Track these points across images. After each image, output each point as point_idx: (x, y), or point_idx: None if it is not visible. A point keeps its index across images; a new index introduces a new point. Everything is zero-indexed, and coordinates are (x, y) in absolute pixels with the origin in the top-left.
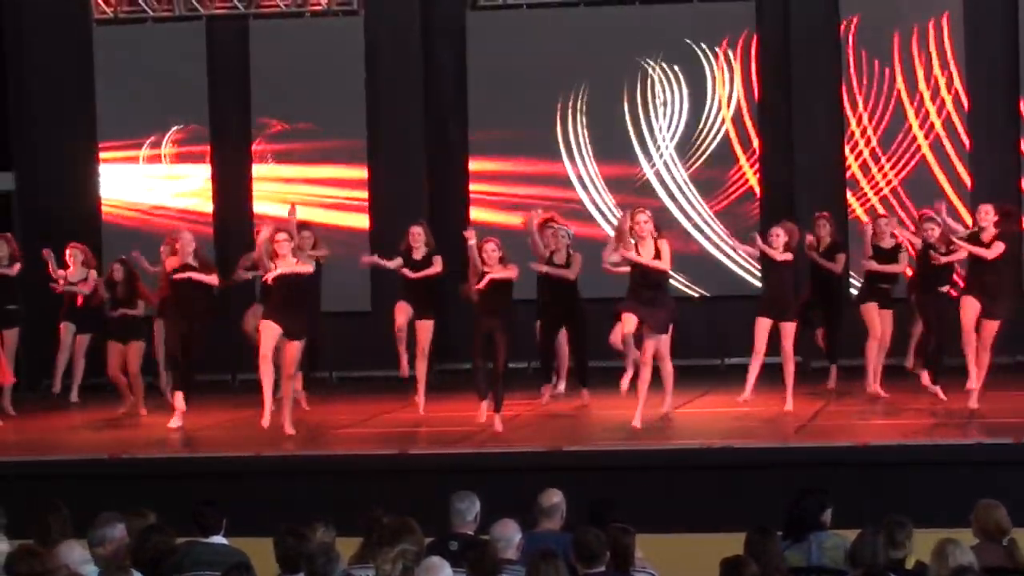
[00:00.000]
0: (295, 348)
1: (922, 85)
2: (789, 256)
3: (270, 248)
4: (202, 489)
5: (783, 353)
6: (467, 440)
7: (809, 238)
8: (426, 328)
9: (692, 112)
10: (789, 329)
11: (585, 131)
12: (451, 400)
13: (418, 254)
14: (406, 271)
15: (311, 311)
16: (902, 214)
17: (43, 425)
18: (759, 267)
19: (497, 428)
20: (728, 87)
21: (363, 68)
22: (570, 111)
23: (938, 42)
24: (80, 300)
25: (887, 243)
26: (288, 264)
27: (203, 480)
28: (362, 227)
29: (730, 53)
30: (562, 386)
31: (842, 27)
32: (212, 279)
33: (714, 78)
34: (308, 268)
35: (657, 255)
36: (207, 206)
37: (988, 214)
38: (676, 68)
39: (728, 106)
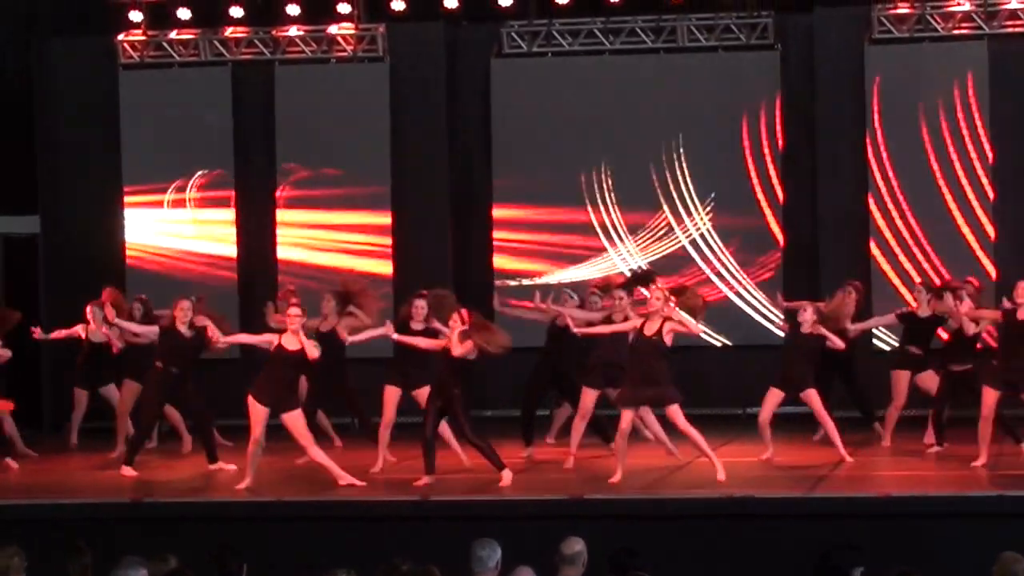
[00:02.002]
0: (291, 419)
1: (946, 136)
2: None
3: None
4: (223, 534)
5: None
6: (489, 487)
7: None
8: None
9: (716, 158)
10: (811, 396)
11: (609, 178)
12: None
13: (417, 326)
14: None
15: (339, 375)
16: (926, 266)
17: (64, 468)
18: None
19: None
20: (753, 136)
21: (388, 114)
22: (594, 158)
23: (963, 95)
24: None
25: (923, 312)
26: (294, 342)
27: (224, 525)
28: (386, 274)
29: (755, 102)
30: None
31: (867, 79)
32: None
33: (738, 127)
34: (314, 353)
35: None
36: (231, 251)
37: None
38: (700, 116)
39: (752, 155)
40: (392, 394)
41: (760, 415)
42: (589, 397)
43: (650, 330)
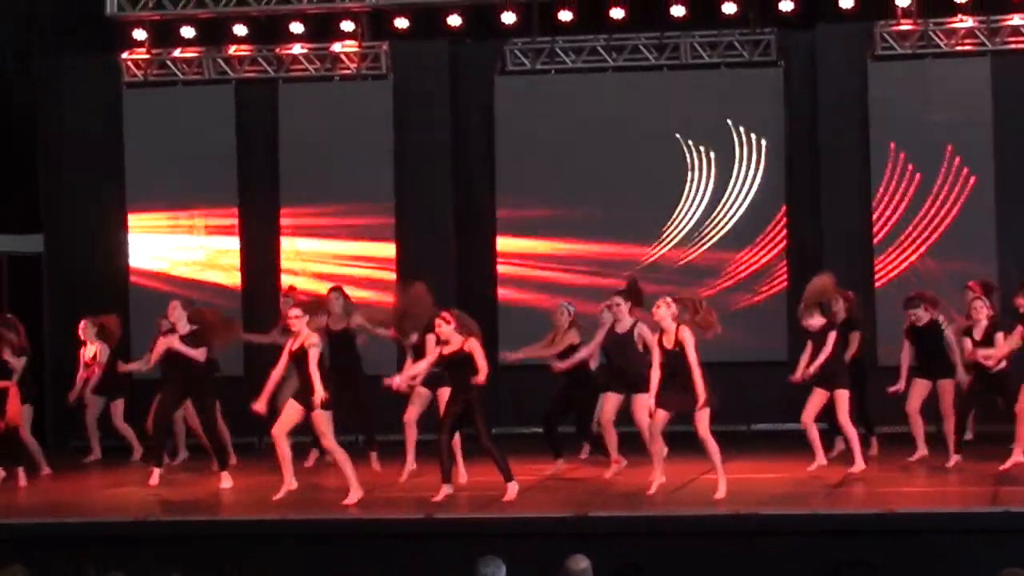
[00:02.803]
0: (316, 418)
1: (949, 152)
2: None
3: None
4: (228, 552)
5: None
6: (493, 504)
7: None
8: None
9: (720, 175)
10: (842, 396)
11: (614, 192)
12: (477, 464)
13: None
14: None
15: (354, 376)
16: (930, 281)
17: (70, 486)
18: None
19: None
20: (756, 151)
21: (392, 132)
22: (598, 174)
23: (966, 111)
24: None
25: (921, 322)
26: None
27: (228, 543)
28: (389, 286)
29: (758, 117)
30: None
31: (870, 95)
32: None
33: (742, 142)
34: (314, 347)
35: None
36: (235, 269)
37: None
38: (704, 132)
39: (756, 170)
40: (420, 396)
41: (803, 416)
42: (612, 402)
43: (669, 342)
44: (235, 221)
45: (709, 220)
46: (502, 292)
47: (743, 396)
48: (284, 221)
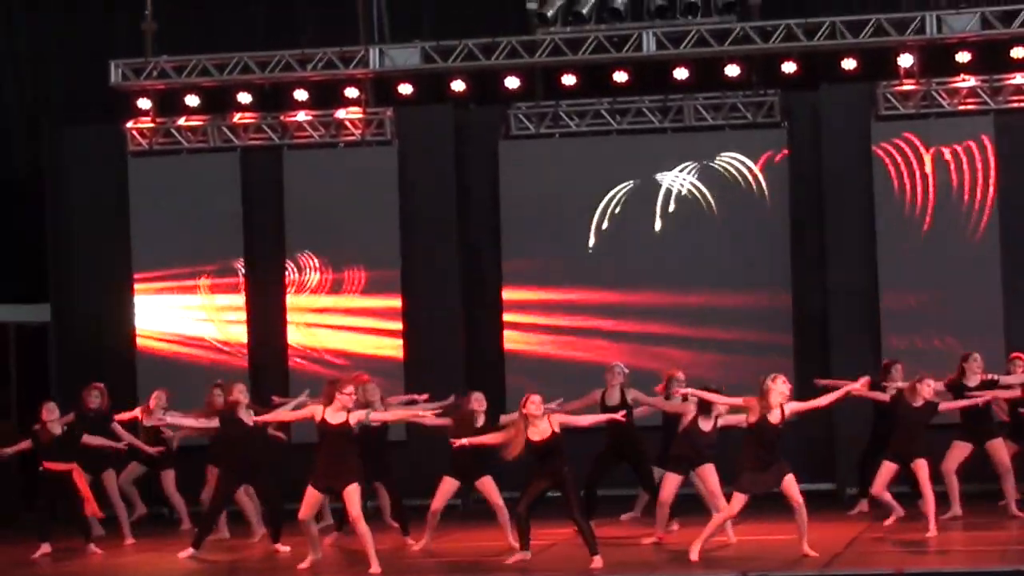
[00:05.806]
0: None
1: (954, 210)
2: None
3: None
4: None
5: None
6: (501, 571)
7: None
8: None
9: (725, 237)
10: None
11: (619, 257)
12: (479, 531)
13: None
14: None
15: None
16: (935, 338)
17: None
18: None
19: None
20: (760, 212)
21: (397, 197)
22: (603, 236)
23: (970, 170)
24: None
25: (972, 382)
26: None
27: None
28: (397, 356)
29: (762, 177)
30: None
31: (874, 154)
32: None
33: (746, 203)
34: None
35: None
36: (242, 336)
37: None
38: (708, 193)
39: (761, 229)
40: (449, 485)
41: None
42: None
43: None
44: (242, 287)
45: (715, 279)
46: (509, 371)
47: None
48: (290, 288)
